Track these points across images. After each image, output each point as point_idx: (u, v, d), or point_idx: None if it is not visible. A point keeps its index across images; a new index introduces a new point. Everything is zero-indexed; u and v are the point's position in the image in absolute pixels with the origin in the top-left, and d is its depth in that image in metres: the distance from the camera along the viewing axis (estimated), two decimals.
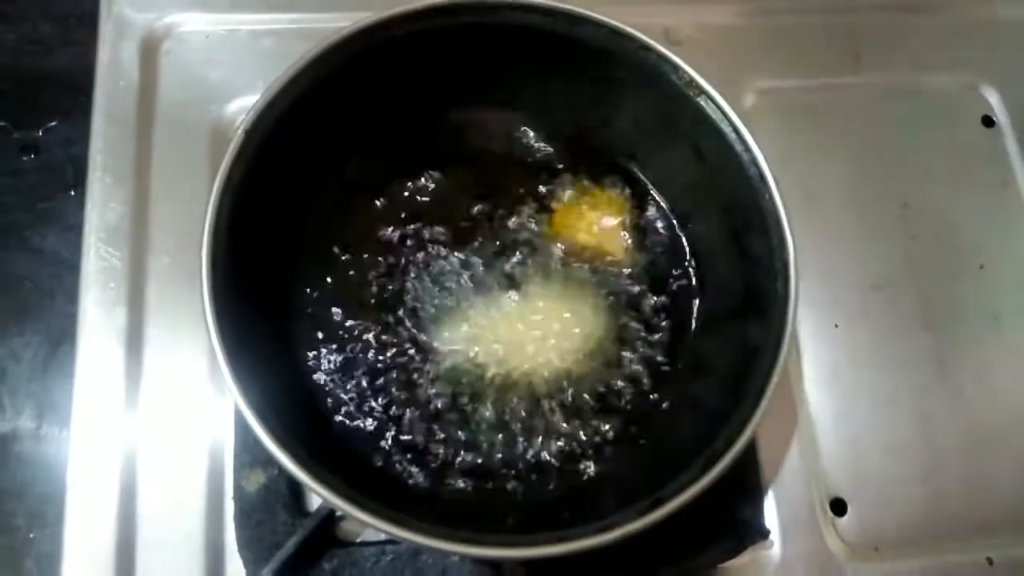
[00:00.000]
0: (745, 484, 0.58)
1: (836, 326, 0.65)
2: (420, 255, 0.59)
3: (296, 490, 0.55)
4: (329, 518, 0.54)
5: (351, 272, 0.59)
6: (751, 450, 0.59)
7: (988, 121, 0.74)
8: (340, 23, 0.53)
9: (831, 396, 0.63)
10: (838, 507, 0.60)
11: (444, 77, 0.59)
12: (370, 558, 0.54)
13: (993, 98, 0.75)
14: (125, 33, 0.67)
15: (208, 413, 0.58)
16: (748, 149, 0.52)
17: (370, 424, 0.55)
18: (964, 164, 0.72)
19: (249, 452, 0.55)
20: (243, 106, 0.65)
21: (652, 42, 0.54)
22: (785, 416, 0.62)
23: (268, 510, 0.54)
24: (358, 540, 0.55)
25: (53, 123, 0.68)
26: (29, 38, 0.71)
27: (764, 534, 0.57)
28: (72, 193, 0.66)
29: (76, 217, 0.63)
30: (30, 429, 0.60)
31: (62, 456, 0.57)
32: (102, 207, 0.62)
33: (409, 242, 0.60)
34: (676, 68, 0.54)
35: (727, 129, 0.53)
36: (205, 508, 0.56)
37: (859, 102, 0.73)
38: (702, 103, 0.53)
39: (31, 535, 0.57)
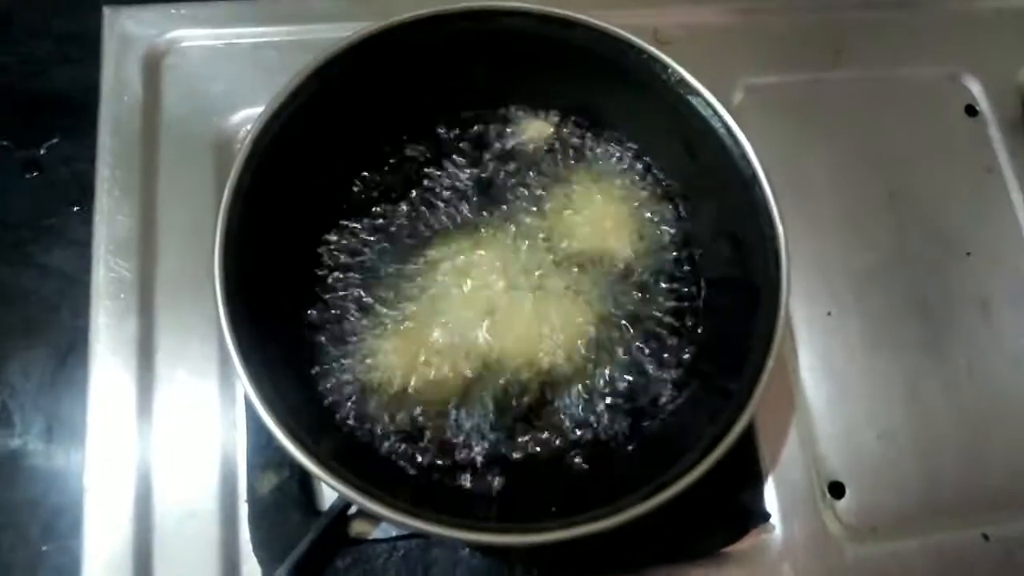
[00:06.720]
0: (745, 470, 0.60)
1: (829, 314, 0.67)
2: (431, 252, 0.60)
3: (308, 491, 0.56)
4: (341, 517, 0.55)
5: (362, 271, 0.59)
6: (750, 436, 0.60)
7: (971, 110, 0.76)
8: (338, 34, 0.55)
9: (826, 382, 0.65)
10: (836, 490, 0.62)
11: (444, 83, 0.60)
12: (382, 554, 0.55)
13: (975, 87, 0.76)
14: (128, 49, 0.68)
15: (220, 419, 0.59)
16: (738, 144, 0.53)
17: (377, 425, 0.55)
18: (949, 153, 0.74)
19: (262, 455, 0.57)
20: (246, 117, 0.67)
21: (643, 43, 0.56)
22: (782, 403, 0.63)
23: (281, 511, 0.55)
24: (370, 537, 0.56)
25: (54, 140, 0.68)
26: (28, 58, 0.71)
27: (765, 517, 0.59)
28: (75, 209, 0.66)
29: (80, 232, 0.64)
30: (41, 442, 0.61)
31: (73, 468, 0.58)
32: (110, 220, 0.63)
33: (420, 238, 0.60)
34: (666, 68, 0.55)
35: (717, 125, 0.54)
36: (219, 511, 0.57)
37: (843, 96, 0.75)
38: (693, 101, 0.55)
39: (44, 548, 0.58)
